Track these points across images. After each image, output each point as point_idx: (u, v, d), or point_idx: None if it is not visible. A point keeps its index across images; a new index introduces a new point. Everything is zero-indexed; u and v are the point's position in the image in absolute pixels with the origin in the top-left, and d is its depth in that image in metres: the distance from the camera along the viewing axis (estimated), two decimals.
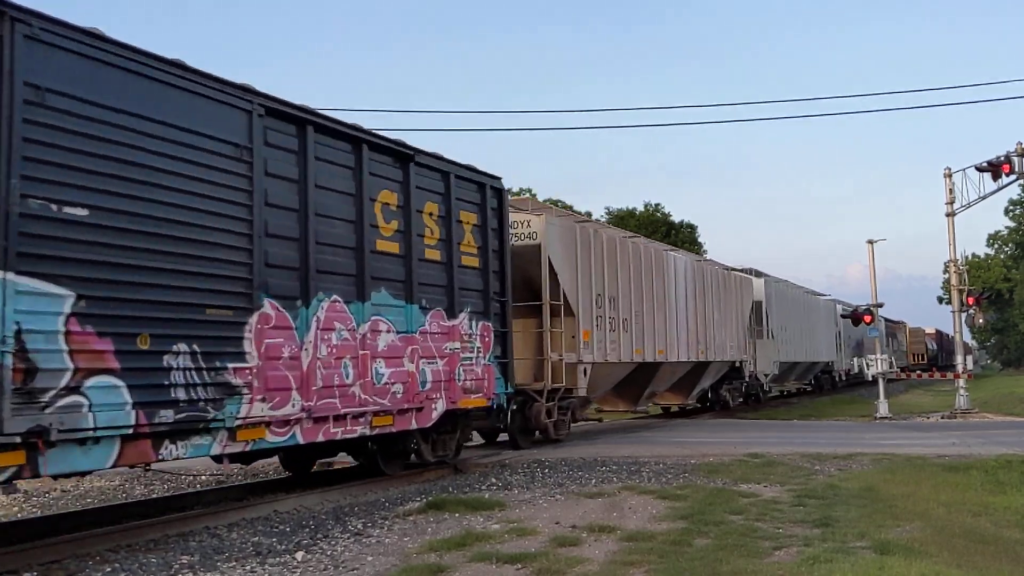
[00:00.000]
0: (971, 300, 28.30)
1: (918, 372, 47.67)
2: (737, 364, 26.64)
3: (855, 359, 44.60)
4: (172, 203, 8.42)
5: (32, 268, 7.12)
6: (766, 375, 29.50)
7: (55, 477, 8.46)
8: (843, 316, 41.69)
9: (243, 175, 9.27)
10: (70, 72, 7.59)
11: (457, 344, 12.62)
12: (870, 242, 28.18)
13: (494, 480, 12.35)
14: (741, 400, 29.32)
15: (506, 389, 13.95)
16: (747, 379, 27.98)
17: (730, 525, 8.77)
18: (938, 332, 77.36)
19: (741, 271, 29.12)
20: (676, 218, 59.80)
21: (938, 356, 73.70)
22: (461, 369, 12.72)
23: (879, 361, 27.24)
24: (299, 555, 7.78)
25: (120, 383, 7.71)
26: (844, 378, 44.70)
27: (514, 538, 8.31)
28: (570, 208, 42.74)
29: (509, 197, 15.15)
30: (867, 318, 27.92)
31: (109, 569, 7.32)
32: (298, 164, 10.06)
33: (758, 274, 30.68)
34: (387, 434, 11.50)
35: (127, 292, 7.91)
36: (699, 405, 27.49)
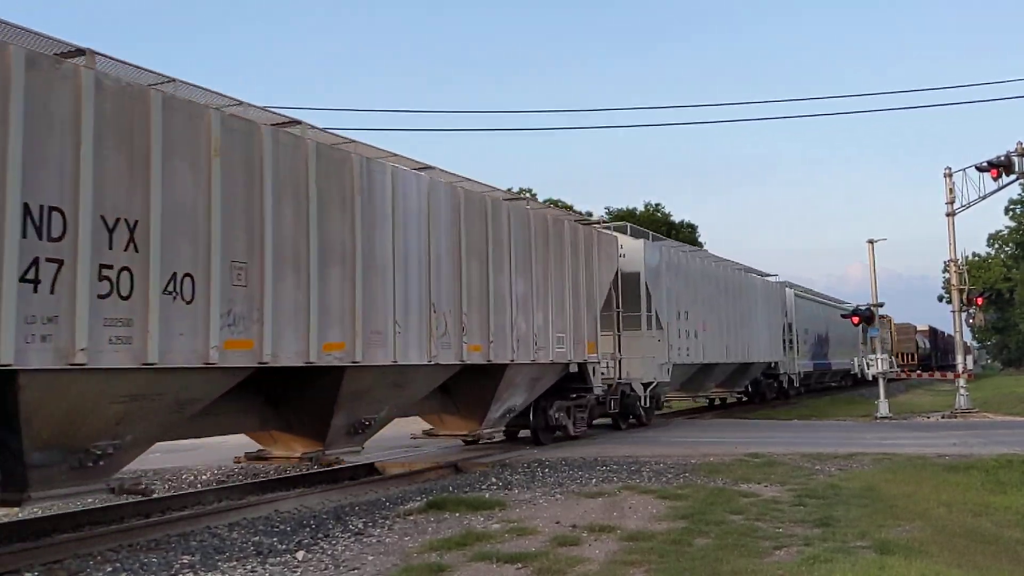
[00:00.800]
0: (979, 300, 28.30)
1: (918, 372, 47.07)
2: (574, 370, 16.76)
3: (820, 359, 37.96)
4: None
5: None
6: (648, 384, 20.16)
7: None
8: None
9: None
10: None
11: None
12: (870, 242, 28.18)
13: (494, 480, 12.36)
14: (607, 422, 20.42)
15: None
16: (601, 391, 18.23)
17: (730, 525, 8.78)
18: (932, 329, 72.05)
19: (598, 223, 20.20)
20: (676, 218, 59.96)
21: (932, 356, 68.15)
22: None
23: (879, 361, 27.20)
24: (300, 554, 7.80)
25: None
26: (797, 384, 34.06)
27: (514, 538, 8.32)
28: (569, 208, 42.64)
29: None
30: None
31: (110, 569, 7.34)
32: None
33: (637, 233, 21.64)
34: None
35: None
36: (529, 435, 17.20)
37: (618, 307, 19.52)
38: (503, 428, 16.35)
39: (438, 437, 15.54)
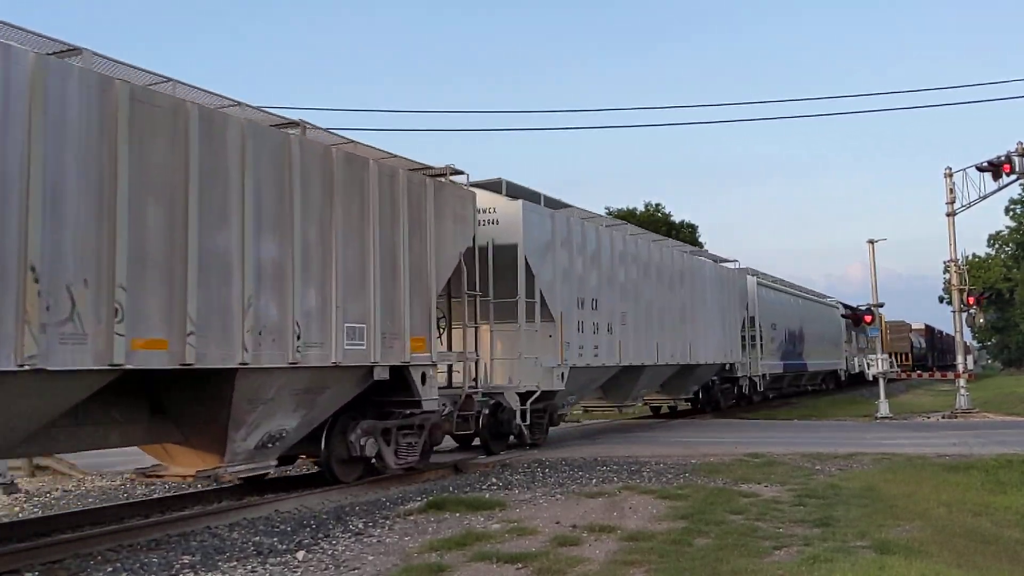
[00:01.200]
0: (971, 300, 28.32)
1: (918, 372, 46.78)
2: (383, 376, 11.63)
3: (793, 359, 33.17)
4: None
5: None
6: (528, 393, 15.10)
7: None
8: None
9: None
10: None
11: None
12: (870, 242, 28.20)
13: (495, 480, 12.36)
14: (420, 454, 12.91)
15: None
16: (439, 406, 13.05)
17: (730, 525, 8.79)
18: (928, 328, 70.45)
19: (447, 174, 13.55)
20: (676, 218, 60.00)
21: (927, 356, 66.09)
22: None
23: (879, 361, 27.19)
24: (300, 555, 7.80)
25: None
26: (761, 388, 29.30)
27: (514, 538, 8.32)
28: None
29: None
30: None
31: (110, 569, 7.34)
32: None
33: (516, 193, 15.91)
34: None
35: None
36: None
37: (475, 289, 14.09)
38: (274, 462, 10.78)
39: (163, 477, 10.36)
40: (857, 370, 38.33)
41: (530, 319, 15.26)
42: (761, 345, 28.62)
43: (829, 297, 43.29)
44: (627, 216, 56.58)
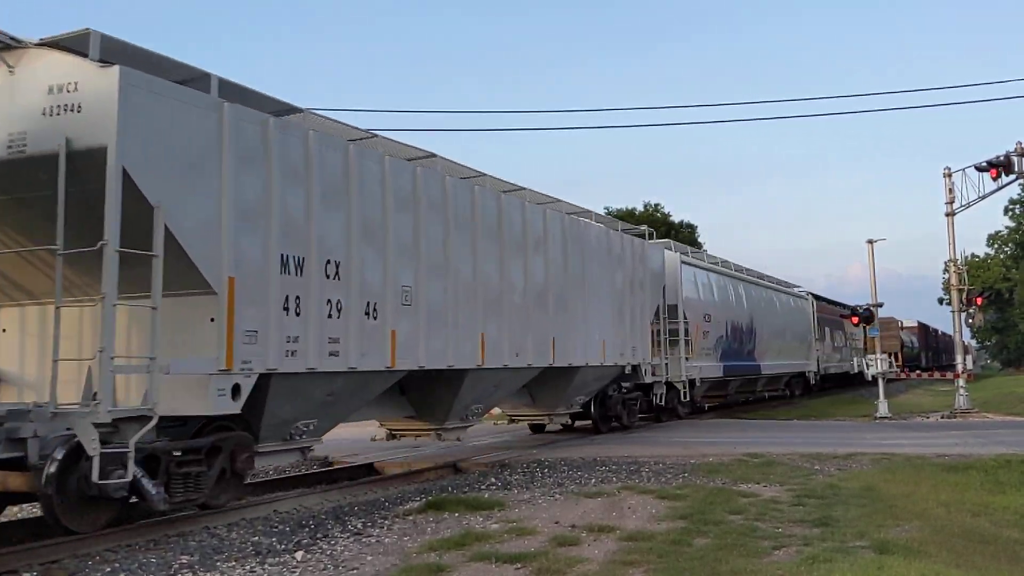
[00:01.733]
0: (979, 300, 28.34)
1: (917, 372, 46.63)
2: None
3: (740, 360, 26.73)
4: None
5: None
6: (140, 419, 7.91)
7: None
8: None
9: None
10: None
11: None
12: (870, 242, 28.21)
13: (494, 480, 12.35)
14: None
15: None
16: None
17: (729, 525, 8.78)
18: (922, 326, 66.02)
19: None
20: (676, 218, 60.09)
21: (921, 355, 61.55)
22: None
23: (879, 361, 27.18)
24: (299, 555, 7.79)
25: None
26: (687, 397, 22.31)
27: (514, 538, 8.32)
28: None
29: None
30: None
31: (108, 569, 7.32)
32: None
33: (113, 56, 8.32)
34: None
35: None
36: None
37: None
38: None
39: None
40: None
41: (134, 286, 8.25)
42: (687, 341, 22.08)
43: (796, 286, 36.95)
44: (627, 216, 56.62)
